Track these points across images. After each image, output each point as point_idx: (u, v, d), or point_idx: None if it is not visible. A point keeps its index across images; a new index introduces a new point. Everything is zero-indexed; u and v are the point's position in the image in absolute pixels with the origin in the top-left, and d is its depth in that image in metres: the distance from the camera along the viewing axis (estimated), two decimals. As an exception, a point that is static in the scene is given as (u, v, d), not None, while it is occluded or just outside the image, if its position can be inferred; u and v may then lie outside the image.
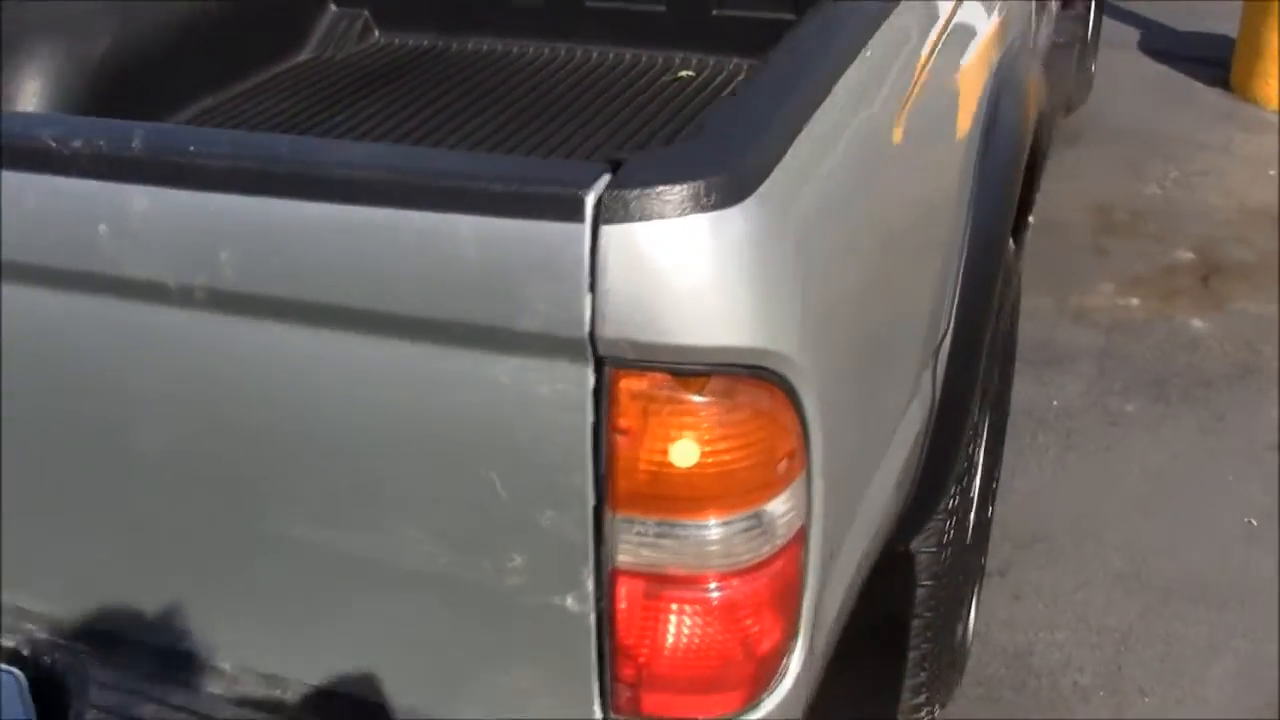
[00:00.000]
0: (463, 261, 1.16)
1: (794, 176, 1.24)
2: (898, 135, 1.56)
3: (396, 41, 3.10)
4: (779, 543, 1.27)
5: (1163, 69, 5.54)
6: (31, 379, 1.40)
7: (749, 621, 1.29)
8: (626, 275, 1.13)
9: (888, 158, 1.53)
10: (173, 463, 1.37)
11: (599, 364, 1.17)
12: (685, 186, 1.13)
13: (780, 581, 1.29)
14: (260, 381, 1.30)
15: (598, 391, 1.18)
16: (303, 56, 3.04)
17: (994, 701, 2.57)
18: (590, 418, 1.19)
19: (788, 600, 1.32)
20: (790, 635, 1.34)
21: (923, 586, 2.15)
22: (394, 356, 1.23)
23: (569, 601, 1.28)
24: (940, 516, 2.10)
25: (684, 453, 1.19)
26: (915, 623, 2.17)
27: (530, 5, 3.00)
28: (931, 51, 1.72)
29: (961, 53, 1.91)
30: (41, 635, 1.52)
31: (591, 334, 1.15)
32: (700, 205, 1.13)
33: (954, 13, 1.86)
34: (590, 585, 1.26)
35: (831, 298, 1.32)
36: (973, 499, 2.24)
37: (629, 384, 1.18)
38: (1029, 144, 2.18)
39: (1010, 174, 2.07)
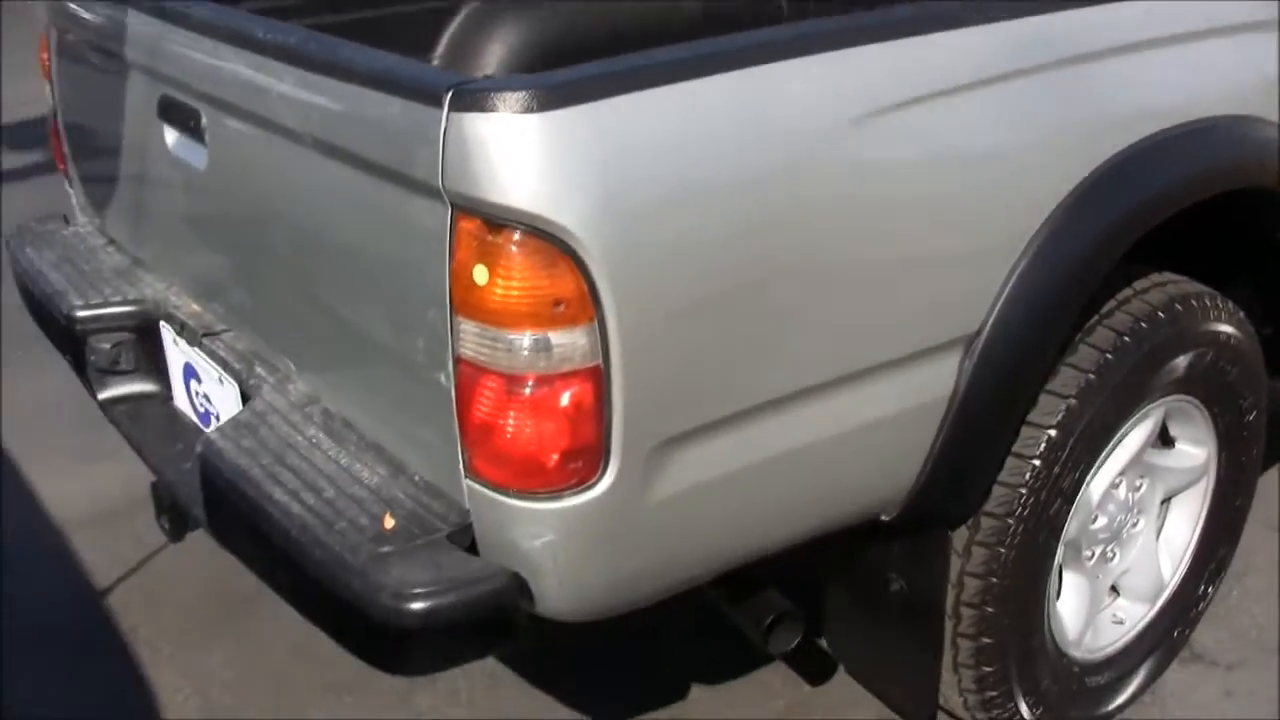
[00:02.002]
0: (396, 125, 1.81)
1: (620, 110, 1.73)
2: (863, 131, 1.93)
3: None
4: (565, 368, 1.76)
5: None
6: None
7: (545, 423, 1.79)
8: (462, 147, 1.71)
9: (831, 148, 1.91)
10: (262, 231, 2.22)
11: (451, 207, 1.76)
12: (508, 95, 1.69)
13: (567, 398, 1.77)
14: (308, 193, 2.09)
15: (450, 226, 1.77)
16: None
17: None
18: (448, 244, 1.78)
19: (582, 420, 1.79)
20: (593, 453, 1.81)
21: (971, 576, 2.37)
22: (361, 185, 1.91)
23: (441, 379, 1.87)
24: (1004, 518, 2.33)
25: (480, 275, 1.74)
26: (969, 612, 2.40)
27: None
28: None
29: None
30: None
31: (443, 185, 1.74)
32: (516, 108, 1.68)
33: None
34: (451, 368, 1.84)
35: (665, 213, 1.76)
36: (1058, 516, 2.39)
37: (464, 224, 1.76)
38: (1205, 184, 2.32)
39: (1130, 218, 2.22)
